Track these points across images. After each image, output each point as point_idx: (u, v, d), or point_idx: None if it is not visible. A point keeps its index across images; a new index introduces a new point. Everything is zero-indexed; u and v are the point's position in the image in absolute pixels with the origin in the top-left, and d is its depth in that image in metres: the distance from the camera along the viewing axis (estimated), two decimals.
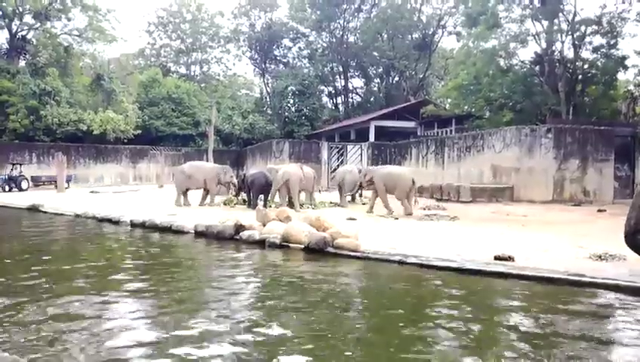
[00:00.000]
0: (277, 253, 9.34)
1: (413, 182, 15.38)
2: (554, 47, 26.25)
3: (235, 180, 18.30)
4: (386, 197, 15.70)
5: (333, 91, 53.00)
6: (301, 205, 16.64)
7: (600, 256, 8.17)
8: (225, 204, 18.10)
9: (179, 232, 11.72)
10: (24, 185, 28.65)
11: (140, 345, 4.66)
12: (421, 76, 46.78)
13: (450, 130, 31.22)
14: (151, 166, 37.90)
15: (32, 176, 30.26)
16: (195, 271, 8.33)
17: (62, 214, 16.29)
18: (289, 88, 43.67)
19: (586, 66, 26.35)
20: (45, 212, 17.05)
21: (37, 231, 12.96)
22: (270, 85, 51.37)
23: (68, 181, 30.06)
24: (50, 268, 8.12)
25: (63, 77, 35.57)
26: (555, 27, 25.62)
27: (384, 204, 15.64)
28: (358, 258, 8.64)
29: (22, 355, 4.26)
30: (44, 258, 9.08)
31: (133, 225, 13.02)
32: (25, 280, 7.09)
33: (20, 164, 30.16)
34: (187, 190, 18.14)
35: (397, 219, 14.20)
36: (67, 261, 8.93)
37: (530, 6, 26.14)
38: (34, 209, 17.61)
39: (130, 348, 4.57)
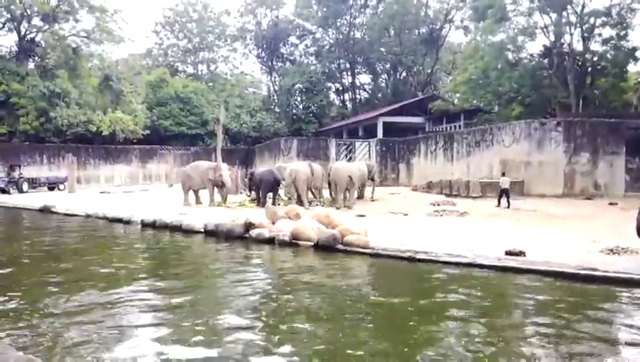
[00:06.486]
0: (287, 251, 9.35)
1: (350, 178, 16.14)
2: (563, 40, 26.00)
3: (226, 178, 18.03)
4: (334, 190, 17.00)
5: (340, 88, 52.87)
6: (310, 202, 16.66)
7: (612, 250, 8.11)
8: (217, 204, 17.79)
9: (189, 231, 11.78)
10: (25, 186, 28.50)
11: (151, 342, 4.70)
12: (429, 71, 46.51)
13: (459, 125, 31.02)
14: (160, 165, 38.14)
15: (30, 178, 29.65)
16: (206, 270, 8.36)
17: (73, 215, 16.43)
18: (296, 86, 43.67)
19: (595, 58, 26.09)
20: (57, 213, 17.20)
21: (51, 234, 13.06)
22: (277, 83, 51.36)
23: (64, 182, 29.99)
24: (66, 272, 8.20)
25: (72, 78, 35.71)
26: (564, 19, 25.37)
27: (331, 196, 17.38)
28: (368, 255, 8.64)
29: (36, 352, 4.31)
30: (57, 264, 9.15)
31: (143, 224, 13.11)
32: (41, 281, 7.18)
33: (19, 166, 29.92)
34: (192, 190, 18.39)
35: (406, 215, 14.18)
36: (81, 262, 9.01)
37: None
38: (46, 210, 17.77)
39: (139, 346, 4.62)
